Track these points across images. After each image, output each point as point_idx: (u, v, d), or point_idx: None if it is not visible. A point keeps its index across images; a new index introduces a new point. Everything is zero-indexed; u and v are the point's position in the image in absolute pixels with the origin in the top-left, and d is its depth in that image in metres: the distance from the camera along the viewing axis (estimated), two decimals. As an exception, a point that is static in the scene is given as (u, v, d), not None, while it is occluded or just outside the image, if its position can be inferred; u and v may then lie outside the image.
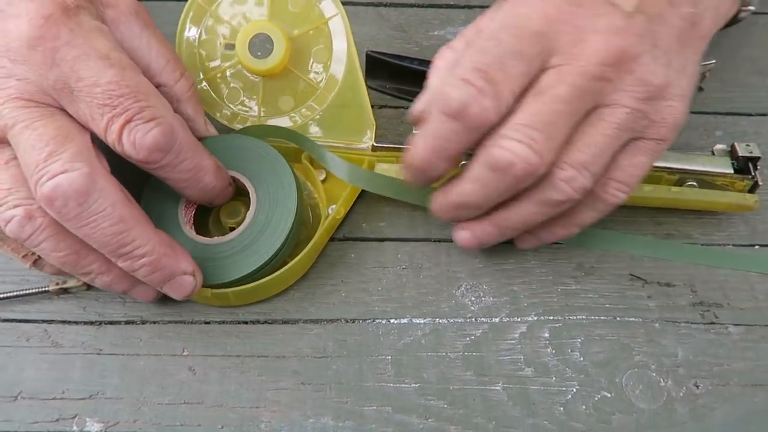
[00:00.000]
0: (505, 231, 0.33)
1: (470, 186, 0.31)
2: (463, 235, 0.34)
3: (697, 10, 0.31)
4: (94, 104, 0.28)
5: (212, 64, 0.39)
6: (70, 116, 0.30)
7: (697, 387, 0.33)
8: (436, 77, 0.32)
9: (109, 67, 0.28)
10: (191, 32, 0.38)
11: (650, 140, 0.30)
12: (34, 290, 0.35)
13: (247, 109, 0.39)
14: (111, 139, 0.29)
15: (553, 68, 0.28)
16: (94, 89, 0.28)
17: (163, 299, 0.35)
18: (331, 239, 0.38)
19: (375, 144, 0.38)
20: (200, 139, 0.35)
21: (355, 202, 0.39)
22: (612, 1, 0.29)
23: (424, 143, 0.30)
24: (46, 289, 0.35)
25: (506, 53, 0.28)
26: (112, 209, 0.28)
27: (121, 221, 0.29)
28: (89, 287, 0.35)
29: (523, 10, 0.29)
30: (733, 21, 0.40)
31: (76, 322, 0.35)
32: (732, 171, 0.38)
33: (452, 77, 0.28)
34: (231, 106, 0.39)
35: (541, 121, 0.28)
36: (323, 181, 0.39)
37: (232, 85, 0.39)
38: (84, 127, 0.30)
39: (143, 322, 0.35)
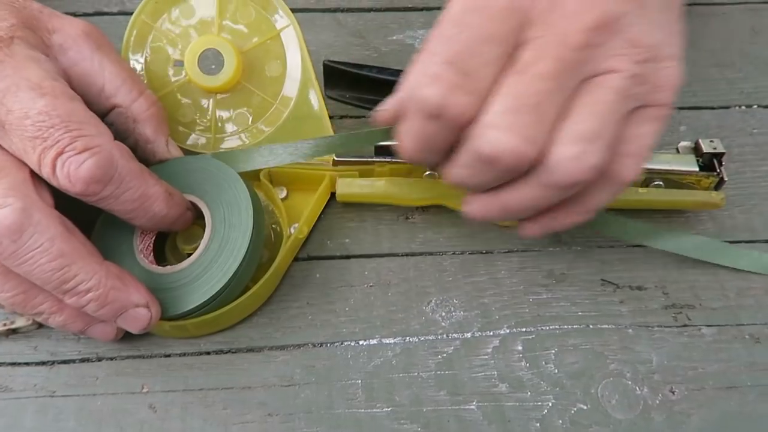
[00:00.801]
0: (510, 213, 0.30)
1: (462, 171, 0.28)
2: (467, 209, 0.31)
3: None
4: (26, 137, 0.26)
5: (162, 83, 0.37)
6: (5, 150, 0.28)
7: (673, 393, 0.32)
8: (409, 77, 0.29)
9: (40, 96, 0.27)
10: (137, 51, 0.36)
11: (653, 107, 0.27)
12: (-21, 332, 0.33)
13: (200, 127, 0.37)
14: (45, 172, 0.27)
15: (532, 41, 0.25)
16: (24, 121, 0.26)
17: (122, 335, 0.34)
18: (295, 259, 0.36)
19: (336, 158, 0.37)
20: (162, 161, 0.34)
21: (318, 220, 0.37)
22: None
23: (410, 142, 0.28)
24: (-7, 330, 0.33)
25: (476, 38, 0.25)
26: (49, 244, 0.27)
27: (60, 256, 0.27)
28: (40, 326, 0.34)
29: None
30: None
31: (27, 364, 0.33)
32: (697, 168, 0.37)
33: (423, 75, 0.26)
34: (182, 125, 0.37)
35: (526, 104, 0.25)
36: (284, 199, 0.37)
37: (183, 102, 0.37)
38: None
39: (99, 359, 0.33)
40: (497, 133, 0.25)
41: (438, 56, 0.25)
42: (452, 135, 0.27)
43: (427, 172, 0.37)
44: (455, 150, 0.28)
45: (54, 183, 0.27)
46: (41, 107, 0.26)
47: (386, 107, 0.30)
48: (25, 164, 0.28)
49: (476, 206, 0.30)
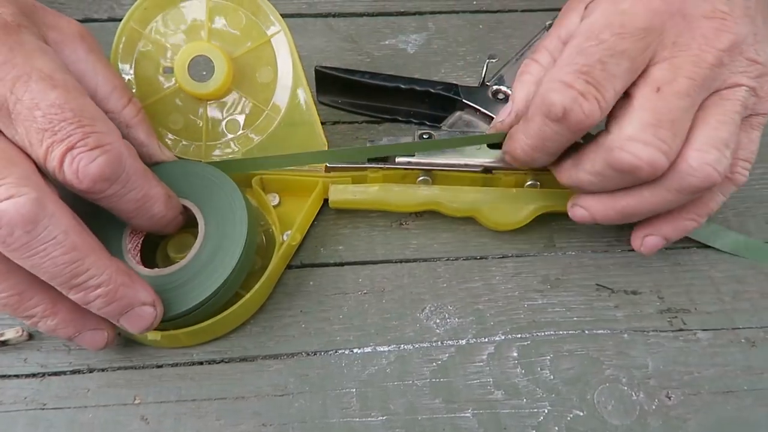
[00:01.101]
0: (627, 217, 0.32)
1: (588, 178, 0.31)
2: (579, 212, 0.33)
3: None
4: (33, 129, 0.26)
5: (152, 90, 0.36)
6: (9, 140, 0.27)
7: (669, 398, 0.32)
8: (521, 90, 0.33)
9: (52, 88, 0.26)
10: (126, 58, 0.36)
11: (760, 115, 0.31)
12: (-32, 344, 0.32)
13: (192, 134, 0.37)
14: (51, 167, 0.26)
15: (665, 61, 0.28)
16: (34, 112, 0.26)
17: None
18: (288, 267, 0.36)
19: (328, 165, 0.37)
20: (156, 164, 0.33)
21: (311, 227, 0.37)
22: None
23: (527, 142, 0.31)
24: (-18, 342, 0.32)
25: (609, 53, 0.28)
26: (63, 236, 0.26)
27: (74, 249, 0.26)
28: (30, 337, 0.33)
29: (627, 7, 0.28)
30: None
31: (17, 376, 0.32)
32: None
33: (553, 81, 0.29)
34: (173, 132, 0.37)
35: (666, 119, 0.28)
36: (276, 207, 0.37)
37: (173, 110, 0.37)
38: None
39: (90, 371, 0.33)
40: (639, 147, 0.28)
41: (570, 66, 0.28)
42: (571, 139, 0.30)
43: (421, 178, 0.37)
44: (566, 153, 0.32)
45: (58, 177, 0.27)
46: (53, 99, 0.26)
47: (504, 120, 0.34)
48: (29, 156, 0.27)
49: (595, 209, 0.33)
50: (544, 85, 0.29)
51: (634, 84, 0.29)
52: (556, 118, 0.29)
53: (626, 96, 0.29)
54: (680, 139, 0.28)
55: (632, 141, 0.28)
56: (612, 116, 0.30)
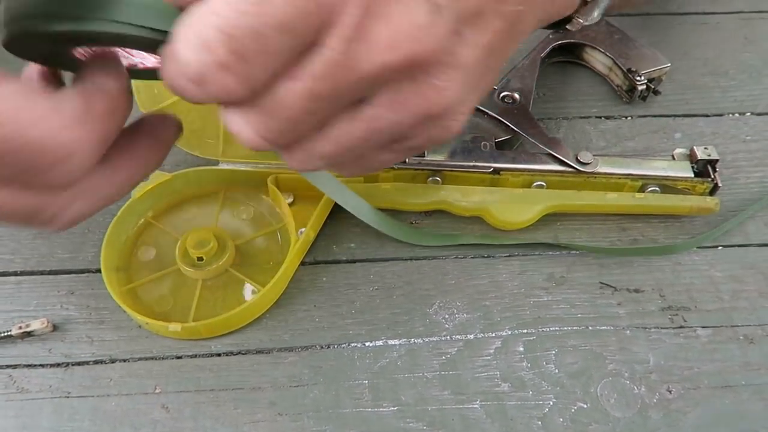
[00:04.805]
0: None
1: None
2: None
3: (525, 7, 0.25)
4: None
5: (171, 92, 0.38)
6: None
7: (670, 392, 0.33)
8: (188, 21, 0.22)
9: None
10: (147, 60, 0.37)
11: (403, 147, 0.25)
12: (-5, 335, 0.34)
13: (210, 133, 0.38)
14: None
15: (324, 49, 0.21)
16: None
17: (131, 336, 0.35)
18: (302, 263, 0.37)
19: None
20: None
21: (324, 224, 0.38)
22: None
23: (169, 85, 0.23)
24: (9, 333, 0.34)
25: (273, 22, 0.20)
26: None
27: None
28: (55, 328, 0.34)
29: None
30: (560, 23, 0.34)
31: (42, 366, 0.34)
32: (692, 175, 0.39)
33: (195, 35, 0.21)
34: (192, 131, 0.38)
35: (285, 118, 0.22)
36: (291, 205, 0.38)
37: (191, 109, 0.38)
38: None
39: (112, 361, 0.34)
40: (245, 130, 0.23)
41: (221, 20, 0.20)
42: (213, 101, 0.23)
43: (431, 178, 0.38)
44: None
45: None
46: None
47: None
48: None
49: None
50: (184, 27, 0.21)
51: (288, 64, 0.22)
52: (192, 81, 0.21)
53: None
54: (293, 136, 0.24)
55: (237, 124, 0.23)
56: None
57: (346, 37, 0.21)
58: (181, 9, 0.22)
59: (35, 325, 0.34)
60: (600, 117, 0.45)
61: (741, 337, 0.35)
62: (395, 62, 0.21)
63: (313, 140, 0.24)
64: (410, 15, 0.21)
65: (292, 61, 0.21)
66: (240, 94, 0.21)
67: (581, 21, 0.32)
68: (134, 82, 0.37)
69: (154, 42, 0.22)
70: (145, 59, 0.27)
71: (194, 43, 0.20)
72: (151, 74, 0.27)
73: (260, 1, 0.19)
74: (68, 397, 0.33)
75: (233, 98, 0.21)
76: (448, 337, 0.35)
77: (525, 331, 0.35)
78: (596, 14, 0.33)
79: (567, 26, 0.33)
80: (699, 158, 0.38)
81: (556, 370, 0.34)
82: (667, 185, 0.39)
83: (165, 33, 0.21)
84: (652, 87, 0.44)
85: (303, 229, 0.37)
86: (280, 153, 0.25)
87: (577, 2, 0.31)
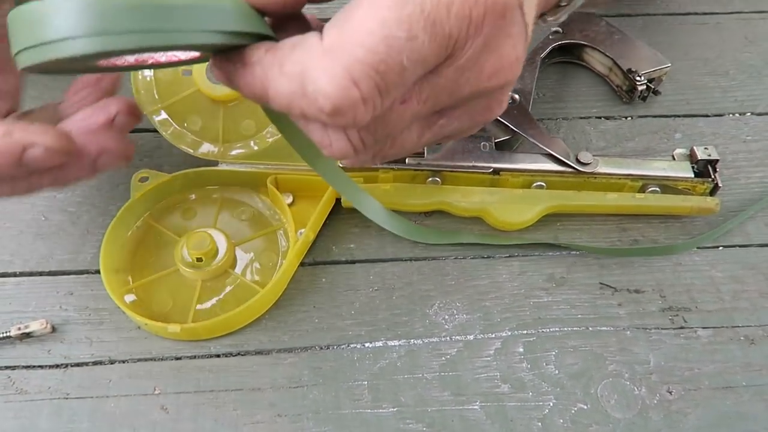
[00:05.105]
0: None
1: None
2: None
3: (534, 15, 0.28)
4: None
5: (171, 92, 0.38)
6: None
7: (670, 393, 0.33)
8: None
9: None
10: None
11: (446, 138, 0.28)
12: (-6, 336, 0.34)
13: (210, 135, 0.38)
14: None
15: (438, 78, 0.23)
16: None
17: (131, 337, 0.34)
18: (301, 264, 0.37)
19: (341, 164, 0.38)
20: None
21: (324, 225, 0.38)
22: (525, 22, 0.24)
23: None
24: (8, 334, 0.34)
25: (414, 57, 0.21)
26: None
27: None
28: (54, 329, 0.34)
29: (456, 5, 0.21)
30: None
31: (41, 367, 0.34)
32: (692, 175, 0.39)
33: (343, 68, 0.21)
34: (193, 133, 0.38)
35: (384, 134, 0.24)
36: (290, 205, 0.38)
37: (192, 111, 0.38)
38: None
39: (111, 362, 0.34)
40: (340, 145, 0.24)
41: (372, 55, 0.20)
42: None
43: (430, 179, 0.38)
44: None
45: None
46: None
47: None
48: None
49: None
50: (330, 59, 0.21)
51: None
52: (327, 114, 0.22)
53: None
54: (385, 129, 0.25)
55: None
56: None
57: (461, 67, 0.23)
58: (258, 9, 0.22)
59: (34, 326, 0.34)
60: (600, 117, 0.45)
61: (742, 338, 0.35)
62: (491, 88, 0.24)
63: (387, 146, 0.25)
64: (516, 48, 0.24)
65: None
66: (363, 122, 0.22)
67: (549, 19, 0.33)
68: (134, 83, 0.37)
69: (231, 46, 0.22)
70: (176, 54, 0.26)
71: (341, 77, 0.20)
72: (175, 64, 0.27)
73: (410, 37, 0.20)
74: (67, 398, 0.33)
75: (355, 125, 0.22)
76: (448, 338, 0.35)
77: (525, 331, 0.35)
78: (564, 17, 0.34)
79: (538, 21, 0.34)
80: (699, 158, 0.38)
81: (557, 371, 0.34)
82: (667, 185, 0.39)
83: (246, 35, 0.22)
84: (652, 87, 0.44)
85: (302, 230, 0.37)
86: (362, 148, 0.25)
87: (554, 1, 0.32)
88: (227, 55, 0.23)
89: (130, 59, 0.24)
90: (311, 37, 0.21)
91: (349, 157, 0.24)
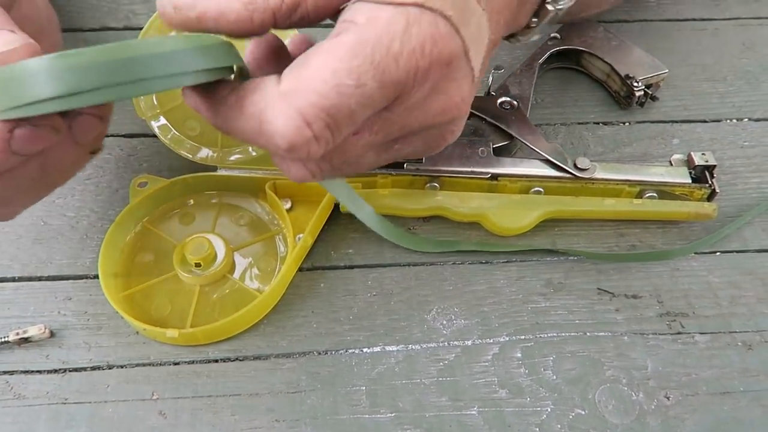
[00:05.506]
0: None
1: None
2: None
3: (499, 36, 0.31)
4: None
5: (170, 98, 0.38)
6: None
7: (668, 398, 0.33)
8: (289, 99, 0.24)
9: None
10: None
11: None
12: (-7, 341, 0.34)
13: (208, 140, 0.38)
14: None
15: (389, 114, 0.25)
16: None
17: (129, 343, 0.34)
18: (300, 269, 0.37)
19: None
20: None
21: (322, 230, 0.38)
22: (472, 66, 0.26)
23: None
24: (6, 339, 0.34)
25: (362, 102, 0.23)
26: None
27: None
28: (52, 334, 0.34)
29: (396, 50, 0.23)
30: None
31: (40, 372, 0.34)
32: (690, 180, 0.39)
33: (297, 111, 0.23)
34: (191, 138, 0.38)
35: (340, 162, 0.27)
36: (289, 211, 0.38)
37: (190, 117, 0.38)
38: None
39: (110, 367, 0.34)
40: (300, 173, 0.27)
41: (323, 100, 0.23)
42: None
43: (428, 184, 0.38)
44: None
45: None
46: None
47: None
48: None
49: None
50: (288, 102, 0.23)
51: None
52: (282, 150, 0.24)
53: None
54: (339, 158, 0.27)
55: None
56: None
57: (410, 107, 0.25)
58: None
59: (33, 331, 0.34)
60: (598, 123, 0.45)
61: (739, 344, 0.35)
62: (439, 123, 0.27)
63: (345, 168, 0.28)
64: (461, 90, 0.26)
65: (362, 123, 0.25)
66: (318, 156, 0.24)
67: (522, 39, 0.35)
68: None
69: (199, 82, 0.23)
70: None
71: (294, 118, 0.23)
72: None
73: (359, 84, 0.23)
74: (65, 403, 0.33)
75: (310, 158, 0.25)
76: (446, 343, 0.35)
77: (523, 337, 0.35)
78: (536, 37, 0.35)
79: (510, 40, 0.35)
80: (697, 164, 0.38)
81: (554, 377, 0.34)
82: (664, 191, 0.39)
83: (212, 71, 0.23)
84: (650, 93, 0.44)
85: (301, 235, 0.37)
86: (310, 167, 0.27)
87: (524, 22, 0.33)
88: (195, 88, 0.25)
89: None
90: (269, 82, 0.24)
91: (309, 180, 0.27)
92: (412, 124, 0.26)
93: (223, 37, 0.25)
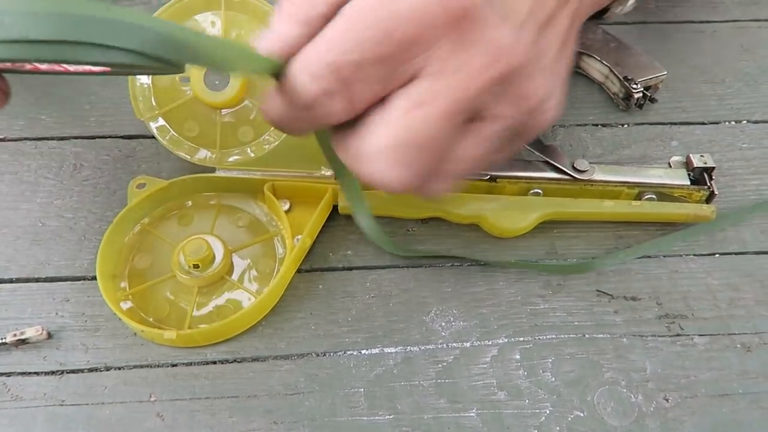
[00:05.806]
0: None
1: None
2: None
3: (581, 5, 0.29)
4: None
5: (168, 98, 0.38)
6: None
7: (667, 401, 0.33)
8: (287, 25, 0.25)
9: None
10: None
11: (515, 144, 0.29)
12: (-10, 342, 0.34)
13: (207, 141, 0.38)
14: None
15: (429, 77, 0.24)
16: None
17: (127, 344, 0.34)
18: (298, 271, 0.37)
19: (337, 172, 0.38)
20: None
21: (320, 232, 0.38)
22: (502, 12, 0.25)
23: (274, 114, 0.26)
24: (3, 340, 0.33)
25: (370, 56, 0.23)
26: None
27: None
28: (50, 336, 0.34)
29: (404, 6, 0.23)
30: (598, 14, 0.36)
31: (37, 373, 0.33)
32: (688, 182, 0.39)
33: (305, 63, 0.24)
34: (190, 140, 0.38)
35: (417, 139, 0.24)
36: (287, 212, 0.38)
37: (189, 118, 0.38)
38: None
39: (107, 369, 0.34)
40: (385, 166, 0.25)
41: (327, 52, 0.23)
42: (315, 126, 0.26)
43: (427, 186, 0.38)
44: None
45: None
46: None
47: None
48: None
49: None
50: (298, 64, 0.24)
51: (394, 92, 0.25)
52: (302, 107, 0.25)
53: (384, 102, 0.25)
54: (433, 160, 0.25)
55: (380, 156, 0.25)
56: (368, 114, 0.25)
57: (445, 62, 0.24)
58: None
59: (30, 333, 0.34)
60: (596, 125, 0.45)
61: (738, 345, 0.35)
62: (495, 75, 0.24)
63: (444, 165, 0.26)
64: (499, 36, 0.24)
65: (389, 89, 0.24)
66: (341, 112, 0.24)
67: (616, 11, 0.34)
68: (132, 90, 0.37)
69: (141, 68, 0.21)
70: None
71: (307, 74, 0.24)
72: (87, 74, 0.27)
73: (360, 37, 0.23)
74: (63, 405, 0.33)
75: (336, 119, 0.25)
76: (445, 345, 0.35)
77: (522, 339, 0.35)
78: (629, 4, 0.35)
79: (604, 16, 0.35)
80: (695, 166, 0.38)
81: (553, 379, 0.34)
82: (663, 193, 0.39)
83: (158, 60, 0.20)
84: (649, 95, 0.44)
85: (299, 237, 0.37)
86: (421, 191, 0.27)
87: None
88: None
89: (42, 66, 0.24)
90: None
91: (408, 182, 0.26)
92: (469, 89, 0.24)
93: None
